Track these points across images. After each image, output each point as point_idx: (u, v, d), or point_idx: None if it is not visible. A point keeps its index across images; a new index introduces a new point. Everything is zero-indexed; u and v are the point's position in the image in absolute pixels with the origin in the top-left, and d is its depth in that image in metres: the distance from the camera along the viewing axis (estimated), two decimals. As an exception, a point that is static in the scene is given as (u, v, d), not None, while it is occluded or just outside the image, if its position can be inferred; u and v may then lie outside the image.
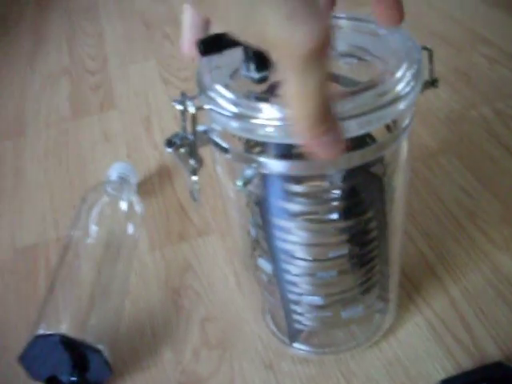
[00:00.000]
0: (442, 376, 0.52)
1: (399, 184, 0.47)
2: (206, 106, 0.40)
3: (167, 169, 0.78)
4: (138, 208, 0.69)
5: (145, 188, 0.75)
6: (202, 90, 0.41)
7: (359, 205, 0.46)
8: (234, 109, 0.39)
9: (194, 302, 0.61)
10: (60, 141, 0.86)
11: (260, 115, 0.38)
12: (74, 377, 0.53)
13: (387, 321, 0.55)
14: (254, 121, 0.38)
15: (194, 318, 0.59)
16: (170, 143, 0.43)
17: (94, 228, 0.65)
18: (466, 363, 0.52)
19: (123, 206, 0.69)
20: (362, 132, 0.38)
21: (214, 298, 0.61)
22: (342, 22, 0.46)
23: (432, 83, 0.44)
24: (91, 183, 0.77)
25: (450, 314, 0.57)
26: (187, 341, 0.57)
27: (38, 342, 0.52)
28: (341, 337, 0.56)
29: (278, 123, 0.37)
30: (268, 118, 0.37)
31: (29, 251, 0.70)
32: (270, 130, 0.38)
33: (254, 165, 0.41)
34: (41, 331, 0.52)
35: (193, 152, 0.43)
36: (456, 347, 0.54)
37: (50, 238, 0.71)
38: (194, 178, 0.45)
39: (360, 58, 0.44)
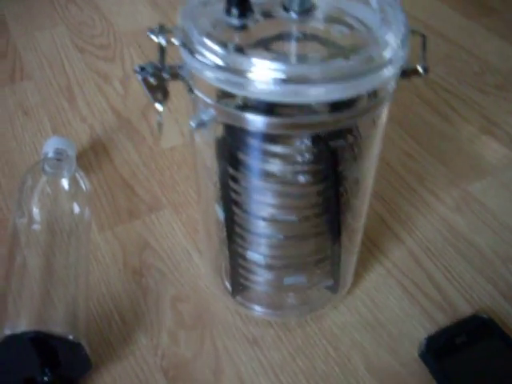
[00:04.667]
0: (423, 334, 0.53)
1: (370, 155, 0.47)
2: (176, 42, 0.41)
3: (101, 143, 0.73)
4: (82, 184, 0.63)
5: (81, 164, 0.69)
6: (184, 37, 0.40)
7: (313, 174, 0.45)
8: (219, 61, 0.38)
9: (160, 282, 0.58)
10: (-32, 116, 0.77)
11: (243, 68, 0.37)
12: (45, 376, 0.48)
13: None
14: (235, 74, 0.37)
15: (164, 298, 0.56)
16: (141, 70, 0.43)
17: (36, 212, 0.59)
18: (442, 320, 0.55)
19: (65, 184, 0.63)
20: (347, 95, 0.38)
21: (180, 275, 0.58)
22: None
23: (424, 71, 0.44)
24: (18, 162, 0.70)
25: (418, 273, 0.59)
26: (161, 323, 0.54)
27: (7, 343, 0.46)
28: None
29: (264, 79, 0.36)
30: (251, 73, 0.37)
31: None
32: (253, 86, 0.37)
33: (212, 111, 0.41)
34: (7, 331, 0.47)
35: (160, 84, 0.43)
36: (429, 305, 0.56)
37: (-21, 224, 0.63)
38: (160, 108, 0.44)
39: (351, 28, 0.44)
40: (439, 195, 0.66)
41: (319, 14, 0.42)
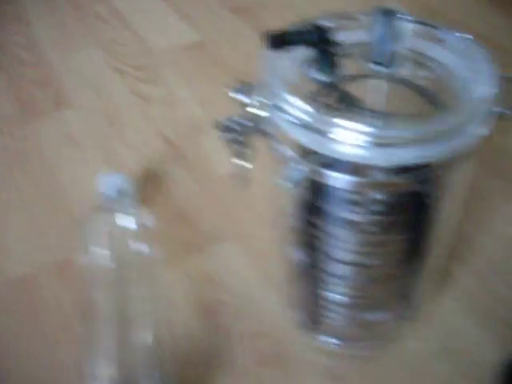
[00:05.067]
0: (499, 360, 0.53)
1: (451, 206, 0.47)
2: (263, 100, 0.41)
3: (154, 172, 0.72)
4: (147, 221, 0.63)
5: (138, 198, 0.69)
6: (268, 92, 0.40)
7: (399, 223, 0.46)
8: (306, 119, 0.38)
9: (235, 319, 0.58)
10: (18, 148, 0.77)
11: (333, 130, 0.37)
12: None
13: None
14: (325, 135, 0.37)
15: (240, 336, 0.56)
16: (223, 127, 0.44)
17: (104, 253, 0.59)
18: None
19: (129, 222, 0.63)
20: (437, 158, 0.38)
21: (254, 311, 0.58)
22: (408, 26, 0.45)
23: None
24: (73, 198, 0.70)
25: (490, 298, 0.59)
26: (239, 362, 0.54)
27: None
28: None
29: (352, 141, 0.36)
30: (341, 134, 0.37)
31: (22, 282, 0.62)
32: (342, 147, 0.37)
33: (304, 168, 0.41)
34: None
35: (243, 139, 0.44)
36: (505, 330, 0.56)
37: (43, 265, 0.64)
38: (241, 163, 0.45)
39: (434, 71, 0.43)
40: (500, 213, 0.66)
41: (404, 62, 0.42)
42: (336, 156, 0.38)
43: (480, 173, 0.69)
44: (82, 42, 0.94)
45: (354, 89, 0.42)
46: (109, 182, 0.66)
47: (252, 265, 0.62)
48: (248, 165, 0.44)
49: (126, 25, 0.98)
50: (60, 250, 0.65)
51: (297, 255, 0.50)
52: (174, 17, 0.99)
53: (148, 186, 0.71)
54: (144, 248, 0.61)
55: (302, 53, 0.42)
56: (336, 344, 0.55)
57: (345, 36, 0.44)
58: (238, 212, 0.67)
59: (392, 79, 0.42)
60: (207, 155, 0.74)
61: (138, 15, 1.00)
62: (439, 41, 0.44)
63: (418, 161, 0.38)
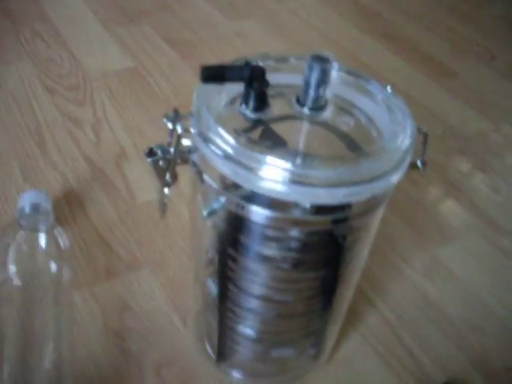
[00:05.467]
0: (400, 403, 0.56)
1: (362, 249, 0.50)
2: (193, 131, 0.41)
3: (75, 193, 0.71)
4: (61, 241, 0.62)
5: (55, 217, 0.68)
6: (198, 122, 0.41)
7: (314, 261, 0.47)
8: (231, 151, 0.39)
9: (142, 346, 0.57)
10: None
11: (255, 165, 0.38)
12: None
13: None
14: (247, 169, 0.38)
15: (146, 363, 0.56)
16: (151, 153, 0.43)
17: (13, 269, 0.58)
18: (417, 388, 0.57)
19: (43, 240, 0.62)
20: (351, 200, 0.40)
21: (162, 340, 0.58)
22: (336, 74, 0.47)
23: (422, 165, 0.46)
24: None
25: (392, 341, 0.61)
26: (145, 391, 0.54)
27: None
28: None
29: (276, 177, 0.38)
30: (262, 169, 0.38)
31: None
32: (264, 183, 0.38)
33: (223, 199, 0.41)
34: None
35: (170, 167, 0.44)
36: (405, 373, 0.58)
37: None
38: (166, 191, 0.45)
39: (357, 119, 0.46)
40: (409, 260, 0.69)
41: (330, 107, 0.44)
42: (255, 190, 0.39)
43: (393, 222, 0.72)
44: (15, 56, 0.93)
45: (279, 128, 0.43)
46: (25, 198, 0.65)
47: (165, 293, 0.62)
48: (169, 192, 0.44)
49: (63, 45, 0.97)
50: (-34, 263, 0.62)
51: (210, 286, 0.51)
52: (112, 44, 0.99)
53: (67, 207, 0.70)
54: (54, 267, 0.60)
55: (235, 89, 0.43)
56: (241, 378, 0.56)
57: (277, 77, 0.45)
58: (156, 240, 0.67)
59: (316, 122, 0.44)
60: (129, 182, 0.74)
61: (77, 38, 1.00)
62: (364, 91, 0.47)
63: (333, 201, 0.39)
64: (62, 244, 0.62)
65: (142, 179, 0.74)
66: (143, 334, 0.58)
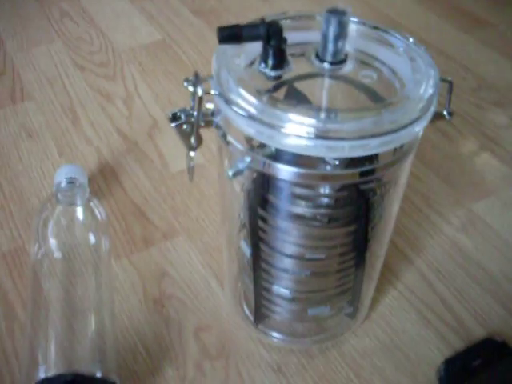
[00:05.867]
0: (439, 357, 0.55)
1: (392, 203, 0.49)
2: (213, 92, 0.41)
3: (110, 167, 0.73)
4: (97, 212, 0.64)
5: (91, 190, 0.69)
6: (219, 85, 0.41)
7: (344, 217, 0.47)
8: (254, 112, 0.39)
9: (182, 312, 0.58)
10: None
11: (279, 122, 0.38)
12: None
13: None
14: (272, 127, 0.38)
15: (186, 328, 0.57)
16: (174, 118, 0.44)
17: (53, 243, 0.59)
18: (457, 342, 0.57)
19: (80, 213, 0.63)
20: (378, 151, 0.39)
21: (200, 304, 0.59)
22: (355, 27, 0.46)
23: (449, 114, 0.45)
24: (26, 188, 0.70)
25: (430, 296, 0.61)
26: (186, 354, 0.55)
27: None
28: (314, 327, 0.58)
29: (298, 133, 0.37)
30: (286, 126, 0.38)
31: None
32: (289, 140, 0.38)
33: (248, 159, 0.41)
34: (41, 374, 0.47)
35: (194, 131, 0.43)
36: (444, 328, 0.58)
37: (-7, 254, 0.63)
38: (192, 154, 0.45)
39: (379, 71, 0.45)
40: (445, 216, 0.68)
41: (351, 61, 0.43)
42: (280, 147, 0.39)
43: (429, 178, 0.71)
44: (45, 36, 0.94)
45: (301, 86, 0.43)
46: (61, 173, 0.66)
47: (202, 259, 0.63)
48: (195, 155, 0.45)
49: (91, 23, 0.98)
50: (9, 239, 0.64)
51: (244, 249, 0.51)
52: (139, 17, 1.00)
53: (103, 180, 0.71)
54: (92, 239, 0.62)
55: (254, 51, 0.43)
56: (279, 338, 0.56)
57: (295, 36, 0.45)
58: (191, 208, 0.68)
59: (337, 77, 0.44)
60: (162, 153, 0.75)
61: (104, 14, 1.00)
62: (385, 43, 0.46)
63: (359, 154, 0.39)
64: (98, 216, 0.64)
65: (174, 149, 0.75)
66: (182, 300, 0.59)
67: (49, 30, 0.96)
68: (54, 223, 0.61)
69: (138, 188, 0.70)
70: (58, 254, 0.58)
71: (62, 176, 0.66)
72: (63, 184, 0.65)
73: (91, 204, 0.64)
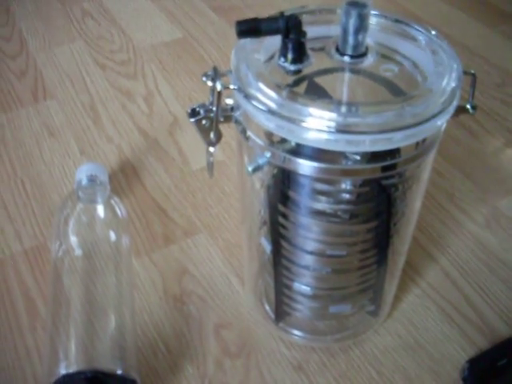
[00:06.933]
0: (463, 356, 0.54)
1: (414, 199, 0.48)
2: (232, 87, 0.41)
3: (131, 164, 0.73)
4: (118, 210, 0.64)
5: (112, 188, 0.69)
6: (239, 79, 0.41)
7: (365, 213, 0.46)
8: (274, 107, 0.38)
9: (202, 309, 0.58)
10: (-6, 138, 0.77)
11: (300, 117, 0.37)
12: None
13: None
14: (292, 122, 0.38)
15: (207, 325, 0.57)
16: (193, 113, 0.43)
17: (74, 240, 0.60)
18: (481, 342, 0.56)
19: (101, 210, 0.63)
20: (399, 146, 0.39)
21: (221, 302, 0.59)
22: (376, 21, 0.46)
23: (472, 108, 0.44)
24: (48, 186, 0.70)
25: (454, 294, 0.60)
26: (206, 351, 0.55)
27: (64, 382, 0.47)
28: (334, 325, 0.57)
29: (319, 127, 0.37)
30: (307, 121, 0.37)
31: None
32: (310, 134, 0.37)
33: (268, 155, 0.41)
34: (62, 370, 0.47)
35: (213, 126, 0.43)
36: (467, 327, 0.57)
37: (15, 252, 0.64)
38: (212, 150, 0.45)
39: (400, 65, 0.44)
40: (469, 212, 0.67)
41: (371, 54, 0.43)
42: (301, 142, 0.39)
43: (452, 175, 0.70)
44: (66, 35, 0.95)
45: (322, 81, 0.43)
46: (83, 171, 0.67)
47: (222, 256, 0.63)
48: (213, 150, 0.44)
49: (112, 22, 0.99)
50: (31, 236, 0.65)
51: (264, 245, 0.51)
52: (159, 16, 1.00)
53: (124, 178, 0.71)
54: (113, 236, 0.62)
55: (273, 46, 0.43)
56: (300, 336, 0.56)
57: (315, 30, 0.45)
58: (211, 205, 0.68)
59: (358, 71, 0.43)
60: (182, 150, 0.74)
61: (126, 13, 1.01)
62: (406, 36, 0.45)
63: (381, 148, 0.38)
64: (119, 213, 0.64)
65: (195, 146, 0.74)
66: (202, 297, 0.59)
67: (71, 30, 0.96)
68: (74, 221, 0.62)
69: (159, 185, 0.70)
70: (78, 252, 0.59)
71: (82, 174, 0.66)
72: (84, 182, 0.65)
73: (112, 202, 0.64)
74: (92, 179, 0.66)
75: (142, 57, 0.90)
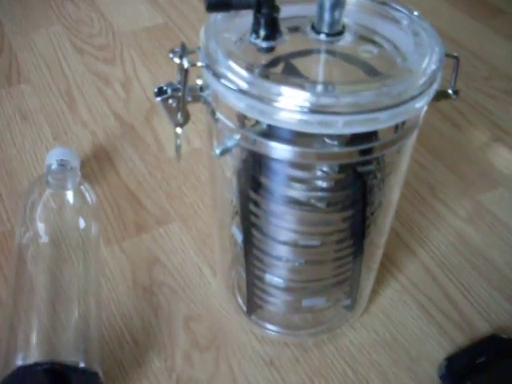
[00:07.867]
0: (442, 354, 0.53)
1: (392, 189, 0.46)
2: (200, 64, 0.39)
3: (104, 150, 0.70)
4: (88, 197, 0.61)
5: (84, 174, 0.67)
6: (208, 57, 0.38)
7: (341, 201, 0.44)
8: (245, 86, 0.36)
9: (172, 300, 0.56)
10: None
11: (272, 96, 0.35)
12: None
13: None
14: (264, 102, 0.35)
15: (176, 317, 0.55)
16: (160, 92, 0.41)
17: (41, 226, 0.57)
18: (461, 339, 0.54)
19: (70, 197, 0.61)
20: (376, 128, 0.37)
21: (192, 293, 0.57)
22: (357, 1, 0.44)
23: (454, 93, 0.43)
24: (18, 171, 0.68)
25: (434, 290, 0.58)
26: (174, 344, 0.53)
27: (18, 375, 0.44)
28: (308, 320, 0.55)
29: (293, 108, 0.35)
30: (280, 101, 0.35)
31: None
32: (281, 114, 0.35)
33: (237, 136, 0.39)
34: (19, 361, 0.45)
35: (180, 106, 0.41)
36: (447, 324, 0.55)
37: (-20, 238, 0.61)
38: (179, 131, 0.42)
39: (380, 46, 0.42)
40: (451, 206, 0.65)
41: (349, 34, 0.41)
42: (273, 123, 0.36)
43: (435, 168, 0.69)
44: (45, 19, 0.92)
45: (296, 62, 0.41)
46: (53, 155, 0.64)
47: (195, 246, 0.61)
48: (180, 131, 0.42)
49: (93, 6, 0.96)
50: (-2, 221, 0.62)
51: (236, 235, 0.49)
52: (141, 1, 0.97)
53: (97, 164, 0.69)
54: (82, 223, 0.60)
55: (244, 26, 0.41)
56: (273, 330, 0.54)
57: (291, 9, 0.42)
58: (186, 193, 0.66)
59: (335, 51, 0.41)
60: (159, 137, 0.72)
61: (107, -2, 0.98)
62: (387, 17, 0.43)
63: (356, 130, 0.36)
64: (89, 200, 0.61)
65: (172, 133, 0.72)
66: (173, 288, 0.57)
67: (49, 13, 0.93)
68: (42, 206, 0.59)
69: (133, 172, 0.68)
70: (45, 238, 0.56)
71: (53, 158, 0.64)
72: (54, 166, 0.63)
73: (82, 188, 0.62)
74: (62, 164, 0.63)
75: (122, 42, 0.88)
